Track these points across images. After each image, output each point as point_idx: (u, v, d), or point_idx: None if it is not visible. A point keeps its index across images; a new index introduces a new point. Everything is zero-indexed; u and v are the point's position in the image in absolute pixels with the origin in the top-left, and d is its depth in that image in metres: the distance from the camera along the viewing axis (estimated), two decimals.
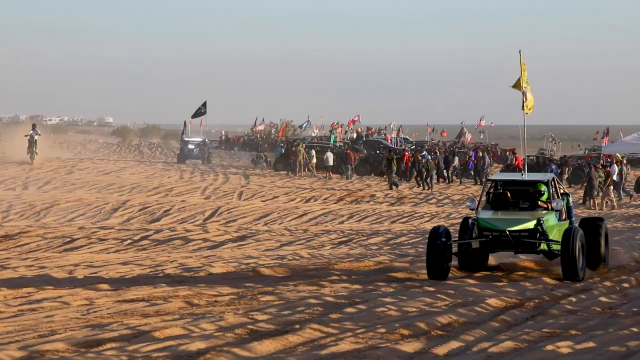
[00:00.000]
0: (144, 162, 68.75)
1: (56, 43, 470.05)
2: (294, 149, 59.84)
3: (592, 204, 42.21)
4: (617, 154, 51.96)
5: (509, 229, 18.66)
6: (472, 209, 19.50)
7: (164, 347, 11.35)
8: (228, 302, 15.26)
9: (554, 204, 19.46)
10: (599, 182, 42.77)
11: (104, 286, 17.23)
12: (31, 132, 57.23)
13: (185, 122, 77.71)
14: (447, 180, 55.80)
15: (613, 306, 15.54)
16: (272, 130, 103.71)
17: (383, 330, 12.94)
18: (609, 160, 52.58)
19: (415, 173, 53.82)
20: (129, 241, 28.29)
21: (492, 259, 21.12)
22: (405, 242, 27.97)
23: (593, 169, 44.01)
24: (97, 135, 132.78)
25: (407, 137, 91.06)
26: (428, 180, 51.17)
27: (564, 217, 20.41)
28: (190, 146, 69.17)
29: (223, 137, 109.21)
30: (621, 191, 47.39)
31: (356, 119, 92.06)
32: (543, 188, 19.96)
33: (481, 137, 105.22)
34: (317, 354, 11.38)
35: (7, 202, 37.41)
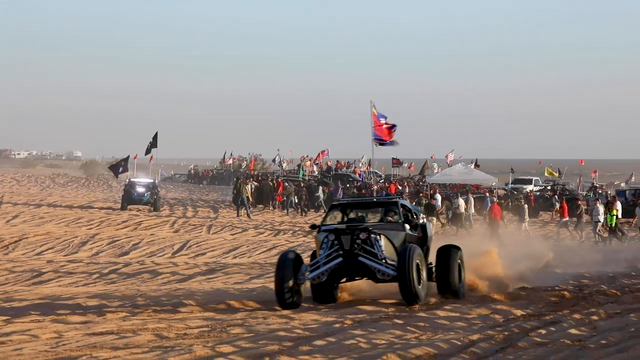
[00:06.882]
0: (112, 196, 68.39)
1: (25, 76, 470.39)
2: (240, 185, 54.67)
3: None
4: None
5: None
6: None
7: None
8: (197, 335, 15.20)
9: None
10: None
11: (73, 319, 17.13)
12: None
13: (128, 157, 66.00)
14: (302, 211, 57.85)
15: (582, 339, 15.57)
16: (243, 164, 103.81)
17: None
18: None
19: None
20: (97, 275, 28.17)
21: None
22: None
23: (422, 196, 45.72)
24: (65, 169, 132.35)
25: (376, 170, 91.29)
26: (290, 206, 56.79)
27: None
28: (140, 189, 56.28)
29: (192, 171, 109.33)
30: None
31: (325, 152, 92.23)
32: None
33: None
34: None
35: None
